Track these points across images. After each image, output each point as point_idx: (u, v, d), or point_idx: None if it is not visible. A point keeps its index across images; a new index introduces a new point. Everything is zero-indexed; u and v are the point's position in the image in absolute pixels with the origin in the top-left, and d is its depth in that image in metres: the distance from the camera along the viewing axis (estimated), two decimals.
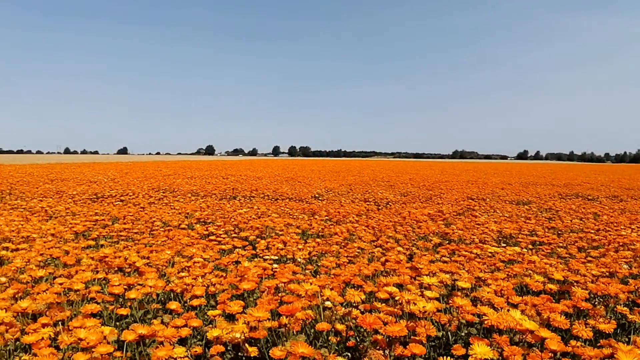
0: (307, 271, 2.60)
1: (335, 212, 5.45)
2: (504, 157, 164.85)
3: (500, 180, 14.09)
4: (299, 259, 3.01)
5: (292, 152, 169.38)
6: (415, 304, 1.55)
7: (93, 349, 1.21)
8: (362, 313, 1.72)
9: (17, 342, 1.48)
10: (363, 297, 1.65)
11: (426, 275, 2.36)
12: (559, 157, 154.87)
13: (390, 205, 7.06)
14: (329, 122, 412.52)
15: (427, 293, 1.68)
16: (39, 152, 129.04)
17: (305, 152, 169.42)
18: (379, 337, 1.40)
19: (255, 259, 2.93)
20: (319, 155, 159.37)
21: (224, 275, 2.36)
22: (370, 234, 3.93)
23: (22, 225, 3.59)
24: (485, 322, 1.58)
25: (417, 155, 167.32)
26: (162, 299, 2.06)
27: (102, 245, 3.13)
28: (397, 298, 1.60)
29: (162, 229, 3.87)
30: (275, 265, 2.52)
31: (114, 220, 4.43)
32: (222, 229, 3.90)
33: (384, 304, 1.75)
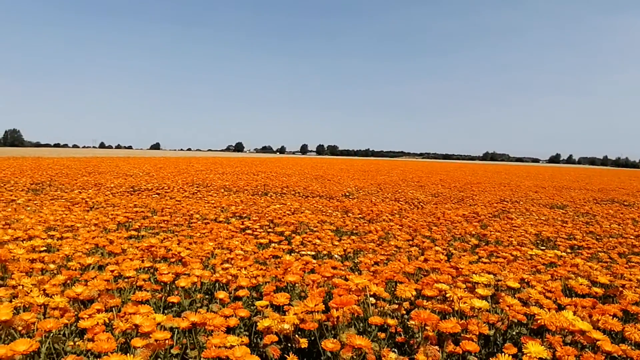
0: (345, 268, 2.59)
1: (369, 210, 5.42)
2: (536, 160, 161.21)
3: (533, 183, 13.80)
4: (335, 256, 3.00)
5: (320, 150, 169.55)
6: (465, 302, 1.53)
7: (150, 335, 1.23)
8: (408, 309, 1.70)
9: (72, 327, 1.52)
10: (414, 292, 1.63)
11: (467, 275, 2.33)
12: (592, 161, 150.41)
13: (423, 206, 7.00)
14: (358, 121, 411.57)
15: (479, 291, 1.66)
16: (75, 146, 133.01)
17: (333, 150, 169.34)
18: (430, 333, 1.39)
19: (293, 254, 2.94)
20: (347, 155, 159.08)
21: (265, 268, 2.38)
22: (405, 233, 3.89)
23: (65, 214, 3.70)
24: (538, 321, 1.55)
25: (446, 156, 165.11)
26: (207, 289, 2.09)
27: (143, 236, 3.20)
28: (448, 295, 1.58)
29: (199, 222, 3.93)
30: (313, 260, 2.53)
31: (153, 212, 4.52)
32: (258, 224, 3.93)
33: (428, 302, 1.73)
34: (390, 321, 1.51)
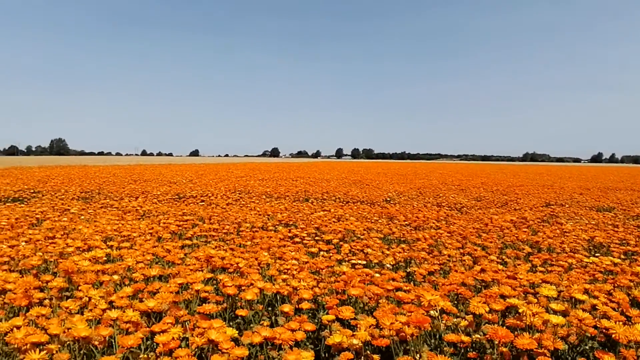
0: (400, 278, 2.56)
1: (414, 216, 5.36)
2: (577, 160, 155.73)
3: (576, 184, 13.33)
4: (387, 265, 2.97)
5: (355, 154, 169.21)
6: (539, 317, 1.48)
7: (229, 351, 1.24)
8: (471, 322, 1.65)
9: (148, 342, 1.54)
10: (487, 309, 1.59)
11: (525, 285, 2.26)
12: (635, 159, 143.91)
13: (466, 210, 6.86)
14: (393, 123, 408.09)
15: (553, 306, 1.60)
16: (118, 154, 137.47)
17: (368, 154, 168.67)
18: (504, 349, 1.35)
19: (344, 263, 2.93)
20: (382, 158, 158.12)
21: (320, 278, 2.38)
22: (455, 241, 3.82)
23: (121, 224, 3.82)
24: (613, 335, 1.50)
25: (485, 158, 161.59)
26: (267, 300, 2.10)
27: (196, 245, 3.26)
28: (521, 310, 1.53)
29: (247, 230, 3.97)
30: (366, 270, 2.51)
31: (200, 220, 4.60)
32: (305, 232, 3.94)
33: (494, 315, 1.69)
34: (465, 338, 1.47)
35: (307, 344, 1.68)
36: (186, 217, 4.60)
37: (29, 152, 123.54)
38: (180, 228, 3.85)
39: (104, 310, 1.74)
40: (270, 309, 1.99)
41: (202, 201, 7.16)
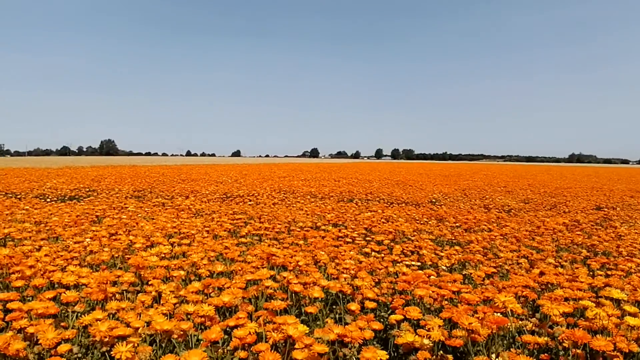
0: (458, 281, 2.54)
1: (464, 218, 5.29)
2: (625, 162, 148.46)
3: (626, 187, 12.77)
4: (443, 267, 2.95)
5: (395, 154, 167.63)
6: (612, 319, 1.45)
7: (310, 347, 1.28)
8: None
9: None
10: (560, 310, 1.57)
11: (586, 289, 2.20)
12: None
13: (515, 213, 6.71)
14: (433, 123, 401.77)
15: (627, 308, 1.57)
16: (164, 154, 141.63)
17: (408, 155, 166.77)
18: (579, 351, 1.33)
19: (397, 265, 2.92)
20: (423, 158, 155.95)
21: (376, 278, 2.40)
22: (509, 244, 3.75)
23: (180, 221, 3.96)
24: None
25: (529, 159, 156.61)
26: (330, 299, 2.13)
27: (251, 243, 3.34)
28: (594, 312, 1.50)
29: (298, 230, 4.03)
30: (428, 271, 2.50)
31: (249, 219, 4.70)
32: (356, 232, 3.96)
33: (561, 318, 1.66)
34: (540, 339, 1.46)
35: (374, 343, 1.69)
36: (237, 216, 4.71)
37: (80, 152, 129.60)
38: (234, 226, 3.95)
39: (175, 305, 1.82)
40: (333, 307, 2.02)
41: (250, 201, 7.30)
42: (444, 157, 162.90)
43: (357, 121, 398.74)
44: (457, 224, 4.94)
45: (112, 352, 1.27)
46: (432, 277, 2.26)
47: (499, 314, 1.46)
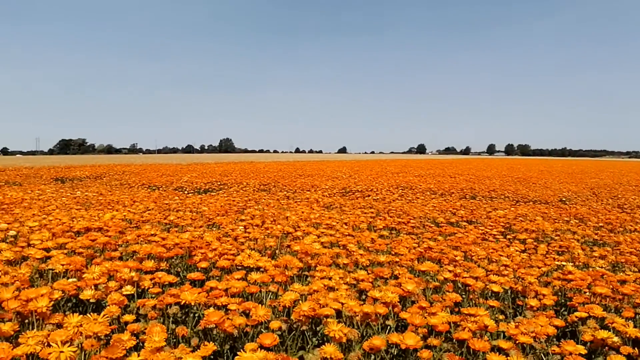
0: None
1: (606, 218, 4.88)
2: None
3: None
4: (596, 267, 2.75)
5: (509, 150, 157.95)
6: None
7: (516, 339, 1.29)
8: None
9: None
10: None
11: None
12: None
13: None
14: (551, 117, 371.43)
15: None
16: (275, 151, 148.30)
17: (524, 150, 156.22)
18: None
19: (565, 263, 2.79)
20: (540, 154, 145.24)
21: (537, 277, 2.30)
22: None
23: (320, 214, 4.15)
24: None
25: None
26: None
27: (387, 236, 3.39)
28: None
29: (432, 225, 4.01)
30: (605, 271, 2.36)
31: (378, 214, 4.75)
32: (495, 230, 3.83)
33: None
34: None
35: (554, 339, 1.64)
36: (366, 210, 4.80)
37: (202, 150, 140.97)
38: (368, 220, 4.03)
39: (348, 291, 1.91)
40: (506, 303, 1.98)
41: (368, 195, 7.38)
42: (563, 153, 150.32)
43: (466, 115, 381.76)
44: (599, 224, 4.58)
45: (325, 331, 1.37)
46: (604, 276, 2.12)
47: None
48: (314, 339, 1.57)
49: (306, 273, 2.20)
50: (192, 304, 1.63)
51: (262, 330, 1.54)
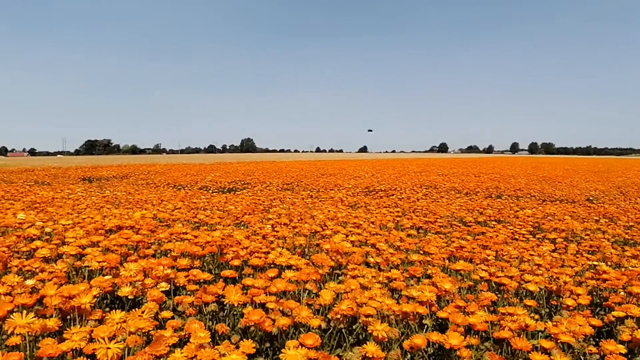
0: None
1: (636, 217, 4.77)
2: None
3: None
4: (629, 267, 2.70)
5: (533, 149, 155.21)
6: None
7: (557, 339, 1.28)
8: None
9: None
10: None
11: None
12: None
13: None
14: (575, 115, 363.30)
15: None
16: (296, 151, 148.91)
17: (548, 149, 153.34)
18: None
19: (598, 263, 2.75)
20: (564, 153, 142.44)
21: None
22: None
23: (348, 212, 4.16)
24: None
25: None
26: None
27: (414, 235, 3.37)
28: None
29: (458, 223, 3.98)
30: None
31: (403, 213, 4.73)
32: (524, 229, 3.77)
33: None
34: None
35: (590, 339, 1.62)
36: (391, 210, 4.78)
37: (224, 150, 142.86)
38: (395, 219, 4.02)
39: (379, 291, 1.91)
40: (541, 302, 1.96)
41: (392, 195, 7.35)
42: (587, 151, 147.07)
43: (488, 114, 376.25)
44: (629, 223, 4.48)
45: (369, 330, 1.38)
46: None
47: None
48: (350, 338, 1.58)
49: (337, 271, 2.21)
50: (235, 304, 1.64)
51: (301, 329, 1.55)
